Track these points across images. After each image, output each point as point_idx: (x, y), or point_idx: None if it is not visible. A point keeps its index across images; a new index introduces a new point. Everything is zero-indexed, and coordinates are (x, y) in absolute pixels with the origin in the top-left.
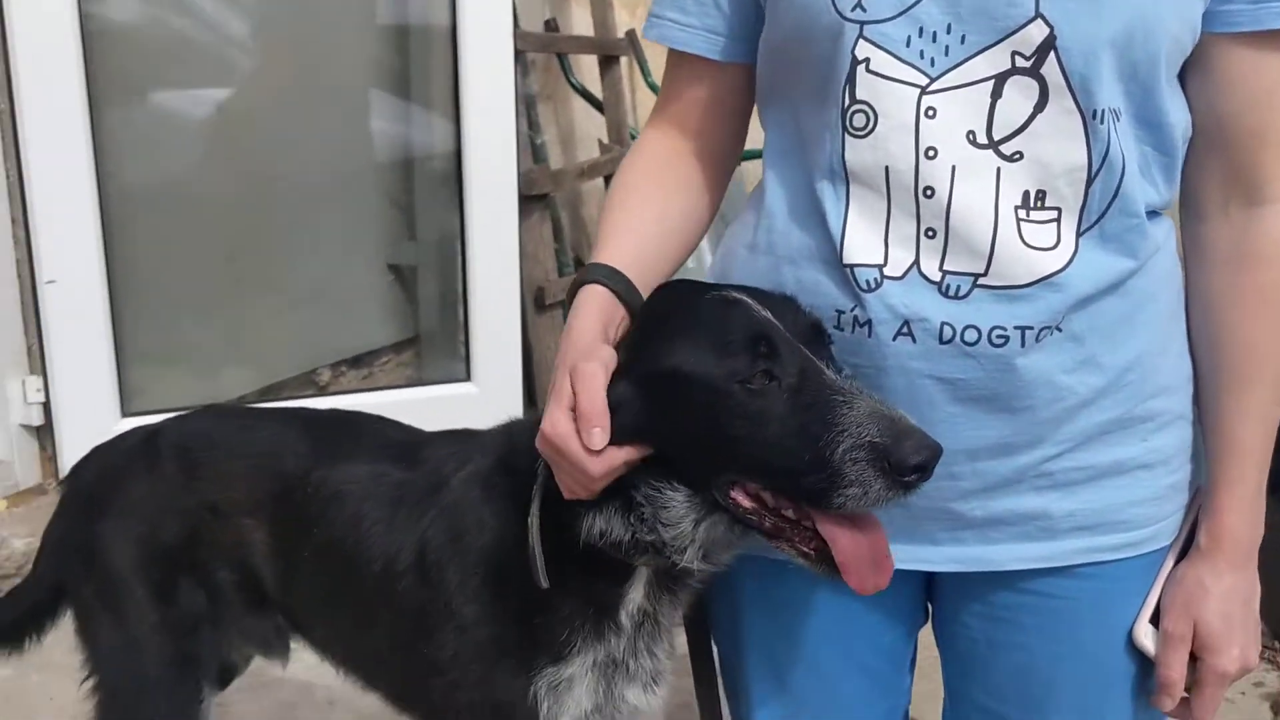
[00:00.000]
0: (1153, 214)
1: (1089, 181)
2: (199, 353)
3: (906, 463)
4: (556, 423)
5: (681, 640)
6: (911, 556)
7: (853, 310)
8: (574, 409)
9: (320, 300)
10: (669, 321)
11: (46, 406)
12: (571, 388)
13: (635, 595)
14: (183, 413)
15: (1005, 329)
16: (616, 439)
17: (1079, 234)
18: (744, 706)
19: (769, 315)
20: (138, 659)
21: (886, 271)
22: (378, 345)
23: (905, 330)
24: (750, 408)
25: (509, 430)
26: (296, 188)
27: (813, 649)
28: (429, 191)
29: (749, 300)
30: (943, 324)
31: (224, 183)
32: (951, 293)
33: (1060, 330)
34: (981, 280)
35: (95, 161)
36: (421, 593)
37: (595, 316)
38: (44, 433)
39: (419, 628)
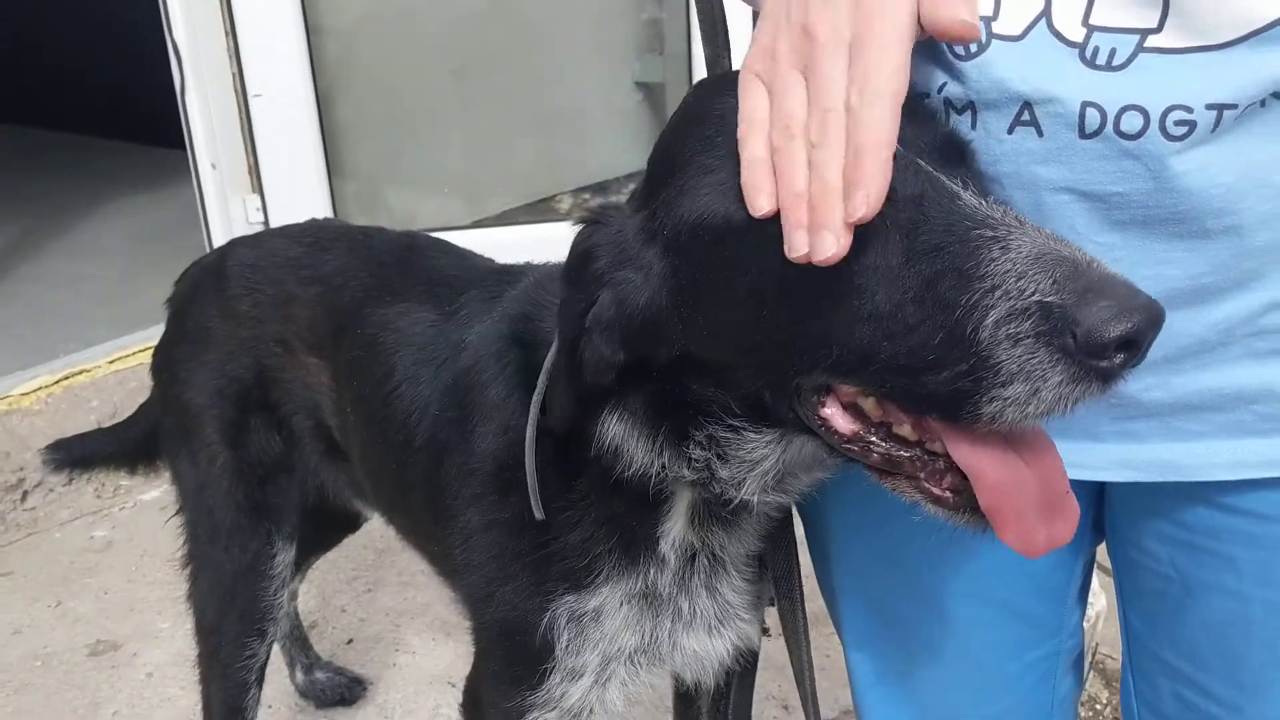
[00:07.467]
0: None
1: None
2: (425, 173)
3: (1104, 334)
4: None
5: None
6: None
7: (942, 89)
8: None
9: (560, 121)
10: (692, 136)
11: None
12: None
13: (674, 526)
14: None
15: (1190, 110)
16: (626, 345)
17: None
18: (848, 661)
19: None
20: (209, 501)
21: (997, 27)
22: (626, 171)
23: (1026, 117)
24: (828, 268)
25: (540, 283)
26: None
27: (926, 583)
28: None
29: None
30: (1085, 106)
31: None
32: (1102, 60)
33: (1264, 104)
34: (1153, 39)
35: None
36: (433, 478)
37: None
38: None
39: (436, 517)
